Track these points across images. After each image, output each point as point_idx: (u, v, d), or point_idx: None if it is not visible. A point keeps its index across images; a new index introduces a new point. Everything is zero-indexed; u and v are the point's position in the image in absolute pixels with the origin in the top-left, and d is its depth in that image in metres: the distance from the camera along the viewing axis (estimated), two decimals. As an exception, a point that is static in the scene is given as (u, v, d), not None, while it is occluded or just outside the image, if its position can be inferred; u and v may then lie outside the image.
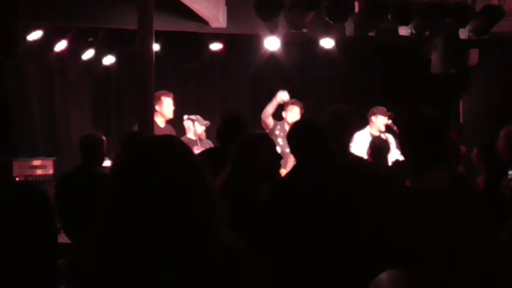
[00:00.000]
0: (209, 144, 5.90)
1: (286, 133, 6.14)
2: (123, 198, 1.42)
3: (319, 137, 3.00)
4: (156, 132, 5.64)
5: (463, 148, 4.93)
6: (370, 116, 6.51)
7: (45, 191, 1.88)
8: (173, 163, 1.44)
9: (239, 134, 3.91)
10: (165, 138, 1.54)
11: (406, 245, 2.06)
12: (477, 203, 2.30)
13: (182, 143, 1.53)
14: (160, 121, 6.00)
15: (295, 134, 3.13)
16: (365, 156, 5.12)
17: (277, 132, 6.27)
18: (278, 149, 6.12)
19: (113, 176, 1.48)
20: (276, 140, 6.16)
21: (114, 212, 1.42)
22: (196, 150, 5.53)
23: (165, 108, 6.04)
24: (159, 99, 5.98)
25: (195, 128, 6.08)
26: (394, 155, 6.43)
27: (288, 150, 6.21)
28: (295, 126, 3.26)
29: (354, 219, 2.33)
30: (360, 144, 6.16)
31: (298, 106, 6.28)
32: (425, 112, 2.30)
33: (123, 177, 1.44)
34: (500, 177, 4.14)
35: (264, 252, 2.64)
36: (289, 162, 6.11)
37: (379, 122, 6.44)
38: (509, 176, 4.31)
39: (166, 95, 6.07)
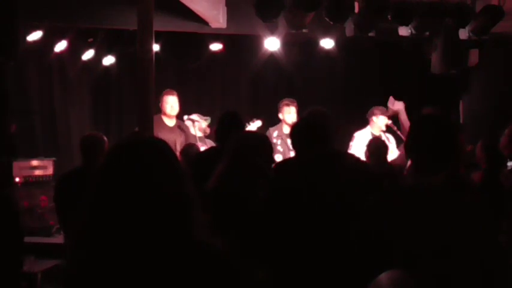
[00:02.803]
0: (210, 143, 5.91)
1: (285, 135, 6.18)
2: (102, 197, 1.44)
3: (319, 136, 2.99)
4: (164, 131, 5.69)
5: (468, 146, 4.95)
6: (371, 116, 6.51)
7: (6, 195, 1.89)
8: (150, 162, 1.46)
9: (236, 131, 3.93)
10: (143, 138, 1.59)
11: (400, 244, 2.06)
12: (473, 200, 2.29)
13: (161, 142, 1.55)
14: (168, 120, 6.05)
15: (297, 131, 3.12)
16: (363, 157, 5.12)
17: (274, 140, 6.24)
18: (279, 156, 6.16)
19: (95, 175, 1.50)
20: (276, 148, 6.15)
21: (94, 211, 1.45)
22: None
23: (168, 106, 6.07)
24: (162, 98, 6.04)
25: (195, 128, 6.09)
26: (394, 155, 6.44)
27: (290, 152, 6.19)
28: (298, 123, 3.25)
29: (350, 218, 2.32)
30: (360, 144, 6.15)
31: (293, 105, 6.27)
32: (434, 113, 2.30)
33: (102, 175, 1.46)
34: (499, 169, 4.21)
35: (260, 250, 2.65)
36: None
37: (380, 122, 6.45)
38: (508, 168, 4.36)
39: (170, 94, 6.12)
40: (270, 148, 3.05)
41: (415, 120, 2.29)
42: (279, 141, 6.23)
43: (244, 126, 4.02)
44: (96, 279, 1.42)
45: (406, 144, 2.35)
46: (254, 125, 6.17)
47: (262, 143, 3.01)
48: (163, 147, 1.53)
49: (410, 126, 2.30)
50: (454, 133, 2.26)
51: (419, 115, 2.31)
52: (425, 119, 2.28)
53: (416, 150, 2.24)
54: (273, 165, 3.17)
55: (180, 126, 6.22)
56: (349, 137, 6.23)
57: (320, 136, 3.00)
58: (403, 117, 5.24)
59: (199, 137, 5.94)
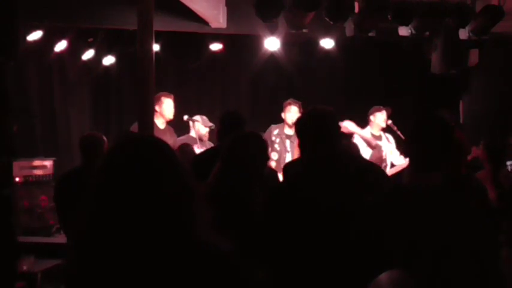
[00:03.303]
0: (210, 145, 5.91)
1: (285, 135, 6.19)
2: (103, 197, 1.44)
3: (322, 136, 2.82)
4: (156, 133, 5.64)
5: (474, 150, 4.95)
6: (369, 115, 6.54)
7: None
8: (150, 162, 1.46)
9: (237, 131, 3.89)
10: (143, 137, 1.58)
11: (398, 244, 2.06)
12: (471, 201, 2.30)
13: (161, 141, 1.55)
14: (160, 122, 5.99)
15: (299, 128, 2.93)
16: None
17: (273, 138, 6.23)
18: (275, 155, 6.15)
19: (94, 176, 1.49)
20: (273, 146, 6.15)
21: (94, 212, 1.44)
22: (197, 149, 5.53)
23: (165, 109, 6.03)
24: (159, 99, 5.98)
25: (195, 128, 6.08)
26: (394, 155, 6.45)
27: (287, 154, 6.15)
28: (300, 120, 2.99)
29: (350, 222, 2.31)
30: (360, 143, 6.16)
31: (296, 105, 6.27)
32: (432, 114, 2.30)
33: (102, 176, 1.46)
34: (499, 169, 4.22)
35: (260, 252, 2.64)
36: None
37: (377, 120, 6.47)
38: (507, 167, 4.37)
39: (167, 96, 6.07)
40: (266, 148, 3.02)
41: (414, 120, 2.31)
42: (277, 140, 6.23)
43: (244, 125, 3.98)
44: (96, 280, 1.42)
45: (404, 144, 2.38)
46: (204, 126, 6.10)
47: (259, 143, 2.98)
48: (163, 146, 1.52)
49: (409, 126, 2.32)
50: (450, 133, 2.28)
51: (418, 116, 2.33)
52: (423, 120, 2.30)
53: (415, 150, 2.26)
54: (283, 166, 3.10)
55: (170, 129, 6.20)
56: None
57: (323, 136, 2.85)
58: (359, 133, 5.34)
59: (200, 141, 5.91)
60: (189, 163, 3.88)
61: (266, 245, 2.66)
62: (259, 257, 2.51)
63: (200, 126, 6.07)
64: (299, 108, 6.26)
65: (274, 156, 6.07)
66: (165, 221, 1.42)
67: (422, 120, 2.31)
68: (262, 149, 2.97)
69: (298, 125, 2.96)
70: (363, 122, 6.51)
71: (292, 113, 6.22)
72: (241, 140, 2.97)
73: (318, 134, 2.85)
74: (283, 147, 6.21)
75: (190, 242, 1.43)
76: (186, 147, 5.03)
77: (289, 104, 6.29)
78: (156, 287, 1.39)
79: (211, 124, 6.10)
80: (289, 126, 6.24)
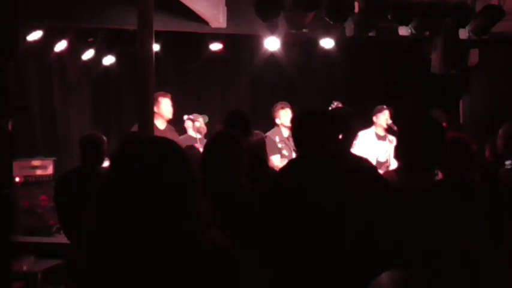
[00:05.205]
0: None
1: (285, 139, 6.18)
2: (112, 198, 1.43)
3: (314, 136, 2.80)
4: (156, 133, 5.63)
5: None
6: (372, 116, 6.55)
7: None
8: (159, 163, 1.45)
9: (242, 132, 3.87)
10: (150, 139, 1.58)
11: (401, 244, 2.07)
12: (468, 202, 2.30)
13: (170, 142, 1.54)
14: (159, 123, 5.98)
15: (294, 128, 2.95)
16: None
17: (279, 145, 6.21)
18: (285, 160, 6.13)
19: (102, 176, 1.49)
20: (282, 153, 6.14)
21: (103, 212, 1.44)
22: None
23: (163, 108, 6.02)
24: (156, 100, 5.95)
25: (195, 127, 6.08)
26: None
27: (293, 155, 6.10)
28: (295, 120, 3.01)
29: (344, 222, 2.31)
30: (363, 144, 6.16)
31: (288, 107, 6.28)
32: (421, 115, 2.32)
33: (110, 177, 1.46)
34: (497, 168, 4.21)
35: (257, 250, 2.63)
36: None
37: (380, 121, 6.49)
38: (506, 167, 4.35)
39: (164, 96, 6.05)
40: (237, 145, 3.01)
41: (403, 121, 2.33)
42: (282, 145, 6.23)
43: (249, 126, 3.95)
44: (102, 280, 1.41)
45: (396, 145, 2.40)
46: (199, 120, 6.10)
47: (239, 145, 2.98)
48: (171, 146, 1.52)
49: (400, 128, 2.34)
50: (440, 133, 2.28)
51: (407, 116, 2.35)
52: (412, 120, 2.32)
53: (404, 150, 2.27)
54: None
55: (171, 128, 6.19)
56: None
57: (315, 136, 2.80)
58: None
59: (199, 139, 5.91)
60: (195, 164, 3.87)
61: (262, 243, 2.65)
62: (256, 253, 2.50)
63: (196, 122, 6.06)
64: (291, 109, 6.27)
65: (283, 162, 6.06)
66: (171, 221, 1.41)
67: (412, 121, 2.33)
68: (231, 147, 2.96)
69: (293, 126, 2.94)
70: (362, 122, 6.51)
71: (289, 115, 6.22)
72: (224, 142, 2.98)
73: (310, 135, 2.81)
74: (289, 150, 6.20)
75: (196, 242, 1.43)
76: (191, 151, 5.00)
77: (282, 107, 6.29)
78: (162, 285, 1.39)
79: (203, 115, 6.07)
80: (288, 129, 6.23)
